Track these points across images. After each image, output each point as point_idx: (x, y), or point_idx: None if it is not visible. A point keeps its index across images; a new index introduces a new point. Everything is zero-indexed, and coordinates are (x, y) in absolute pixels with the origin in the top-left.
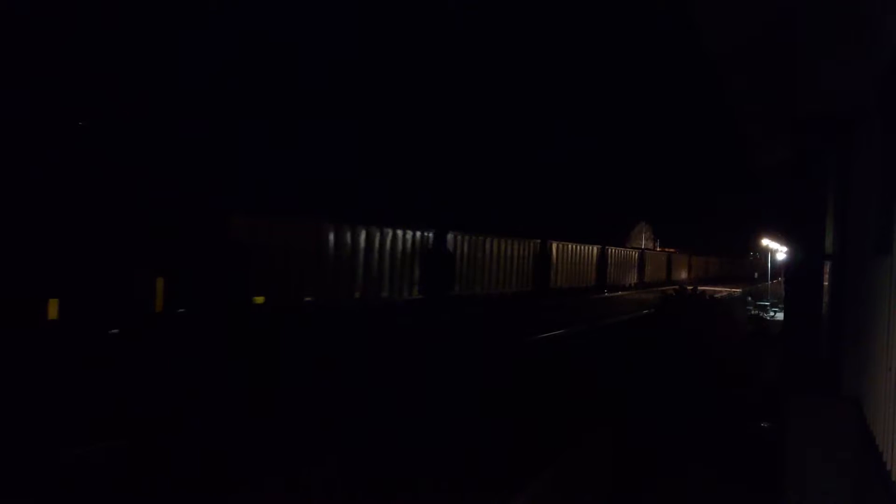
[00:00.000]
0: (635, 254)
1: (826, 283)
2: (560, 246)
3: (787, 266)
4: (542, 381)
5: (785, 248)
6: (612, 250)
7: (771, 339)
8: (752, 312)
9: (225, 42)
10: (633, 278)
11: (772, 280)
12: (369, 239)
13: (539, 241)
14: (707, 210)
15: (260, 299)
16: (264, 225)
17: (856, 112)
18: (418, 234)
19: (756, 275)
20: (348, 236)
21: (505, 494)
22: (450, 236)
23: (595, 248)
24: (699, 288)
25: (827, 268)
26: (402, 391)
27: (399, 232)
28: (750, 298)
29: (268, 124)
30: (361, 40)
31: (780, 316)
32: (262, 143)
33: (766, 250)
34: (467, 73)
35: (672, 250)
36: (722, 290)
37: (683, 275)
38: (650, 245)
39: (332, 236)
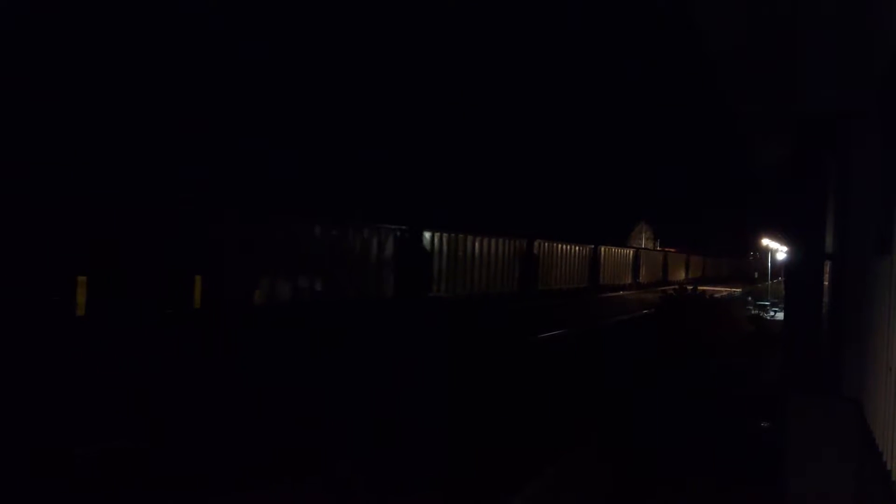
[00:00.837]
0: (630, 253)
1: (826, 283)
2: (548, 245)
3: (787, 266)
4: (532, 384)
5: (785, 248)
6: (604, 250)
7: (771, 339)
8: (752, 312)
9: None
10: (628, 279)
11: (772, 280)
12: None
13: (525, 240)
14: (707, 210)
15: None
16: (225, 220)
17: (856, 112)
18: (395, 232)
19: (756, 275)
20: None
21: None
22: (427, 235)
23: (587, 248)
24: (699, 288)
25: (827, 268)
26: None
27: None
28: (750, 298)
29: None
30: (345, 33)
31: (780, 316)
32: (229, 137)
33: (766, 250)
34: (473, 71)
35: (672, 250)
36: (722, 290)
37: (682, 275)
38: (650, 245)
39: (301, 233)
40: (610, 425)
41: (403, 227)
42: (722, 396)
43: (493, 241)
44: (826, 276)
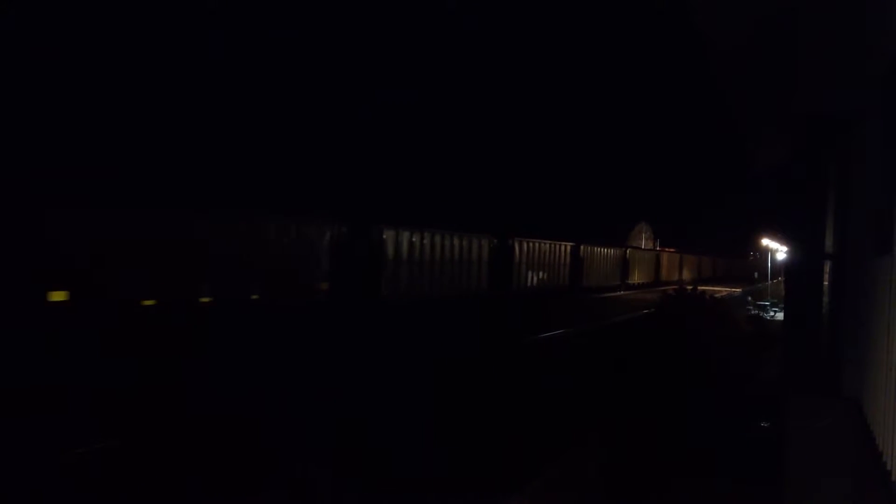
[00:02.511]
0: (618, 252)
1: (826, 283)
2: (524, 244)
3: (787, 266)
4: (527, 385)
5: (785, 248)
6: (587, 249)
7: (771, 339)
8: (752, 312)
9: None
10: (616, 279)
11: (772, 280)
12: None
13: (495, 236)
14: (707, 210)
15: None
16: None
17: (856, 112)
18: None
19: (756, 275)
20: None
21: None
22: (384, 231)
23: (567, 246)
24: (699, 288)
25: (827, 268)
26: None
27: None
28: (750, 298)
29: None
30: (343, 31)
31: (780, 316)
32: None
33: (766, 250)
34: (473, 71)
35: (668, 249)
36: (722, 290)
37: (675, 275)
38: (650, 244)
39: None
40: (609, 425)
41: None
42: (721, 396)
43: (457, 239)
44: (826, 276)
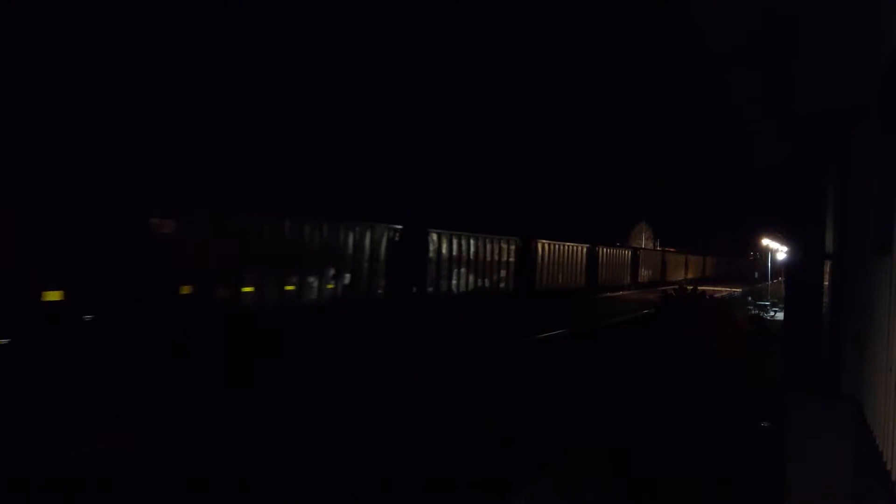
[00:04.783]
0: (628, 253)
1: (826, 283)
2: (546, 245)
3: (787, 266)
4: (534, 382)
5: (785, 248)
6: (602, 249)
7: (771, 339)
8: (752, 312)
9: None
10: (626, 279)
11: (772, 280)
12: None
13: (520, 238)
14: (707, 210)
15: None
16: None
17: (856, 112)
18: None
19: (756, 275)
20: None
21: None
22: (433, 233)
23: (583, 248)
24: (699, 288)
25: (827, 268)
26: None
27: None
28: (750, 298)
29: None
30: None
31: (780, 316)
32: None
33: (766, 250)
34: (472, 71)
35: (671, 249)
36: (722, 290)
37: (680, 275)
38: (650, 245)
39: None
40: (609, 425)
41: (400, 226)
42: (721, 396)
43: (489, 241)
44: (826, 276)
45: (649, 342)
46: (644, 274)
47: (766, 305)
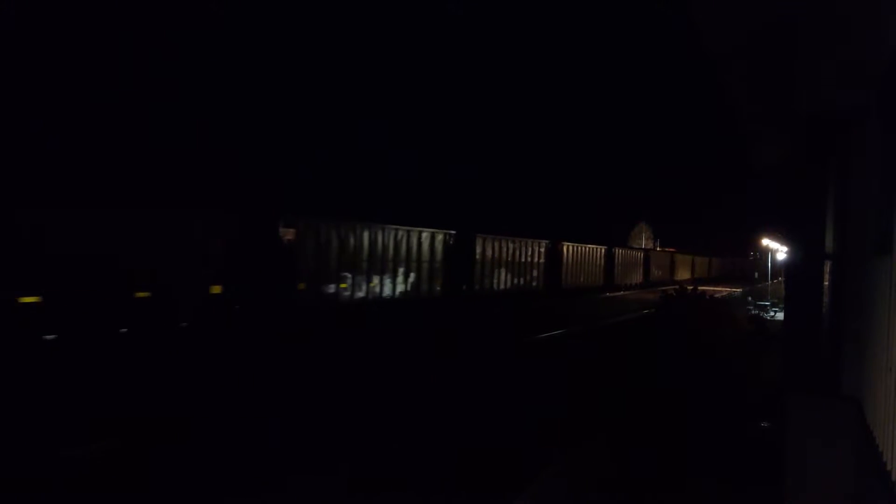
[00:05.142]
0: (641, 254)
1: (826, 283)
2: (570, 247)
3: (787, 266)
4: (541, 377)
5: (785, 248)
6: (618, 251)
7: (771, 339)
8: (752, 312)
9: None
10: (638, 278)
11: (772, 280)
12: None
13: (549, 241)
14: (707, 210)
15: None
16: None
17: (856, 112)
18: (441, 234)
19: (756, 275)
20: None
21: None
22: (477, 237)
23: (602, 249)
24: (699, 288)
25: (827, 268)
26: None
27: (425, 233)
28: (750, 298)
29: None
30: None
31: (780, 316)
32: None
33: (766, 250)
34: (472, 71)
35: (672, 250)
36: (722, 290)
37: (685, 275)
38: (650, 244)
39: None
40: (609, 425)
41: (453, 231)
42: (722, 396)
43: (522, 243)
44: (826, 276)
45: (653, 341)
46: (655, 274)
47: (766, 305)
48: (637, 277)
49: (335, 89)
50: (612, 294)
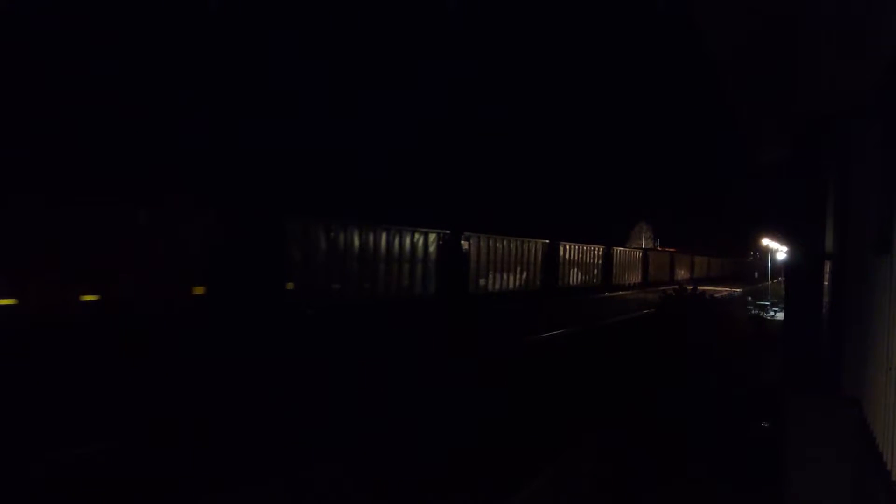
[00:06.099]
0: (639, 254)
1: (826, 283)
2: (568, 246)
3: (787, 266)
4: (541, 378)
5: (785, 248)
6: (616, 251)
7: (771, 339)
8: (752, 312)
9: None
10: (637, 278)
11: (772, 280)
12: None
13: (548, 241)
14: (707, 210)
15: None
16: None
17: (856, 112)
18: (433, 234)
19: (756, 275)
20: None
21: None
22: (468, 237)
23: (600, 248)
24: (699, 288)
25: (827, 268)
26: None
27: (416, 233)
28: (750, 298)
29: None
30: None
31: (780, 316)
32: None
33: (766, 250)
34: (470, 72)
35: (672, 250)
36: (722, 290)
37: (685, 274)
38: (650, 244)
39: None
40: (609, 425)
41: (447, 231)
42: (722, 396)
43: (519, 243)
44: (826, 276)
45: (652, 341)
46: (654, 273)
47: (766, 305)
48: (636, 277)
49: (334, 89)
50: (610, 294)
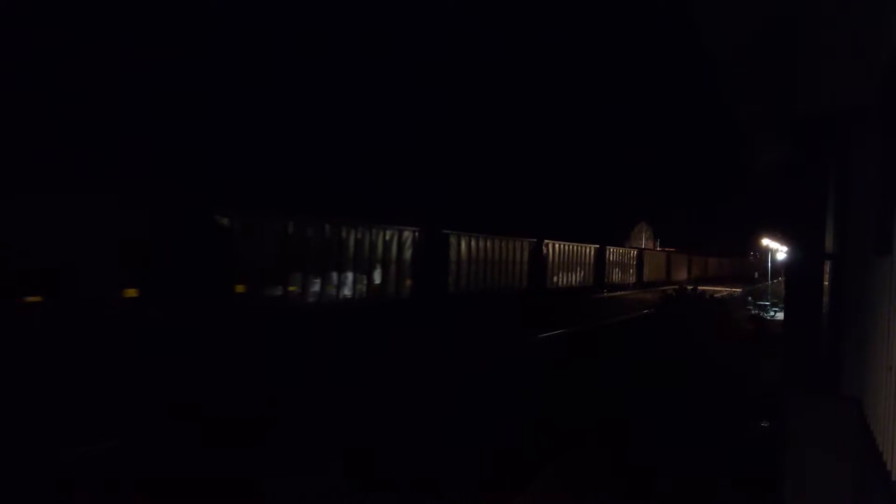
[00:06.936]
0: (634, 253)
1: (826, 283)
2: (556, 245)
3: (787, 266)
4: (543, 379)
5: (785, 248)
6: (610, 250)
7: (771, 339)
8: (752, 312)
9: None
10: (631, 278)
11: (772, 280)
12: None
13: (535, 240)
14: (707, 210)
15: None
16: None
17: (856, 112)
18: (412, 232)
19: (756, 275)
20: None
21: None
22: (453, 236)
23: (592, 248)
24: (699, 288)
25: (827, 268)
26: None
27: (391, 231)
28: (750, 298)
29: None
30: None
31: (780, 316)
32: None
33: (766, 250)
34: (470, 72)
35: (672, 249)
36: (722, 290)
37: (683, 275)
38: (650, 245)
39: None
40: (609, 425)
41: (425, 229)
42: (722, 396)
43: (504, 242)
44: (826, 276)
45: (650, 342)
46: (649, 274)
47: (766, 305)
48: (630, 277)
49: (335, 87)
50: (609, 294)
